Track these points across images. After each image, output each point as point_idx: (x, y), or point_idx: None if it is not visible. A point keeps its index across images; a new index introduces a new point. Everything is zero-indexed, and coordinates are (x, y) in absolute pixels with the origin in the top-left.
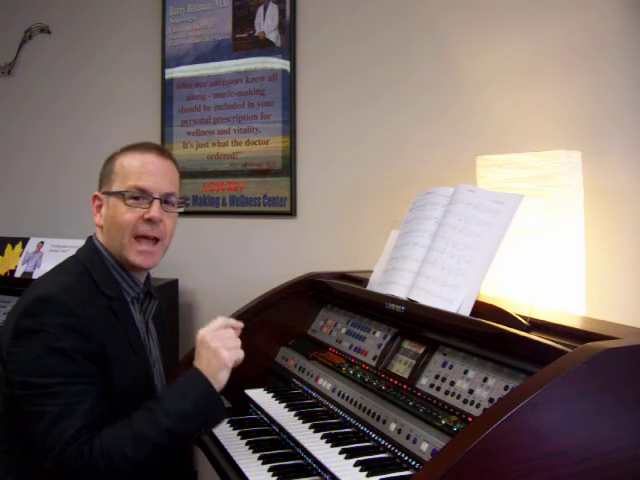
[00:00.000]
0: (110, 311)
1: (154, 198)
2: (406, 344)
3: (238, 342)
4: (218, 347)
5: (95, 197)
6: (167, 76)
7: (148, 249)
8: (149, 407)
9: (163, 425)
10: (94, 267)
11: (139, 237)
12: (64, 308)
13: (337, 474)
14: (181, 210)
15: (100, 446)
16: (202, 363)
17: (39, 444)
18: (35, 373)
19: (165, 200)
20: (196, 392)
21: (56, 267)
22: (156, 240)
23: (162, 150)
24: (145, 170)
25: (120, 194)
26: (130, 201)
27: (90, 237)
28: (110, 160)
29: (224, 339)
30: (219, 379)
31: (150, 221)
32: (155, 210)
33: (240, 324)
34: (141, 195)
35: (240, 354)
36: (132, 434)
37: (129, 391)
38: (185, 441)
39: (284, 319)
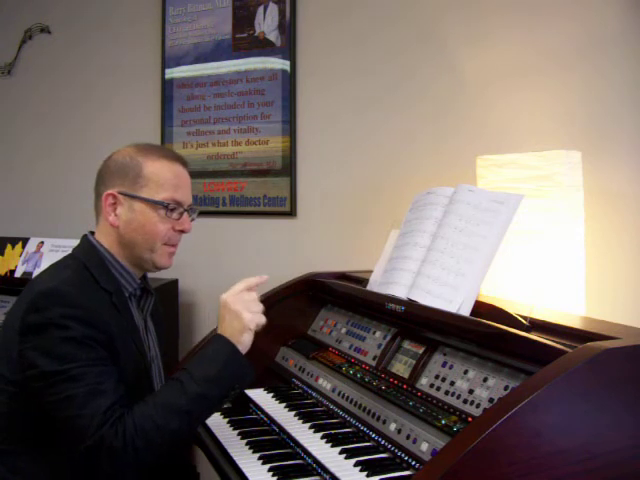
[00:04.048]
0: (111, 305)
1: (184, 210)
2: (406, 344)
3: (260, 306)
4: (240, 310)
5: (112, 196)
6: (167, 76)
7: (173, 251)
8: (175, 377)
9: (191, 391)
10: (92, 264)
11: (166, 244)
12: (68, 300)
13: (337, 474)
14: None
15: (133, 423)
16: (225, 327)
17: (71, 429)
18: (52, 363)
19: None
20: (220, 355)
21: (53, 265)
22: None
23: (184, 160)
24: (180, 183)
25: (160, 205)
26: (167, 212)
27: (85, 235)
28: (129, 159)
29: (246, 302)
30: (242, 341)
31: (182, 232)
32: (189, 222)
33: (264, 278)
34: (175, 207)
35: (262, 319)
36: (162, 405)
37: (129, 385)
38: (215, 406)
39: (284, 319)
